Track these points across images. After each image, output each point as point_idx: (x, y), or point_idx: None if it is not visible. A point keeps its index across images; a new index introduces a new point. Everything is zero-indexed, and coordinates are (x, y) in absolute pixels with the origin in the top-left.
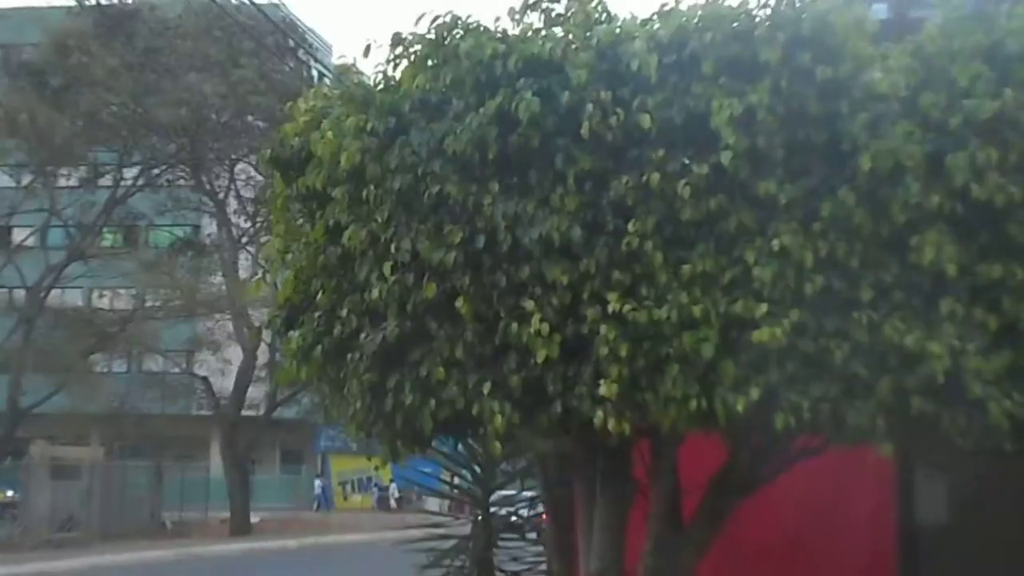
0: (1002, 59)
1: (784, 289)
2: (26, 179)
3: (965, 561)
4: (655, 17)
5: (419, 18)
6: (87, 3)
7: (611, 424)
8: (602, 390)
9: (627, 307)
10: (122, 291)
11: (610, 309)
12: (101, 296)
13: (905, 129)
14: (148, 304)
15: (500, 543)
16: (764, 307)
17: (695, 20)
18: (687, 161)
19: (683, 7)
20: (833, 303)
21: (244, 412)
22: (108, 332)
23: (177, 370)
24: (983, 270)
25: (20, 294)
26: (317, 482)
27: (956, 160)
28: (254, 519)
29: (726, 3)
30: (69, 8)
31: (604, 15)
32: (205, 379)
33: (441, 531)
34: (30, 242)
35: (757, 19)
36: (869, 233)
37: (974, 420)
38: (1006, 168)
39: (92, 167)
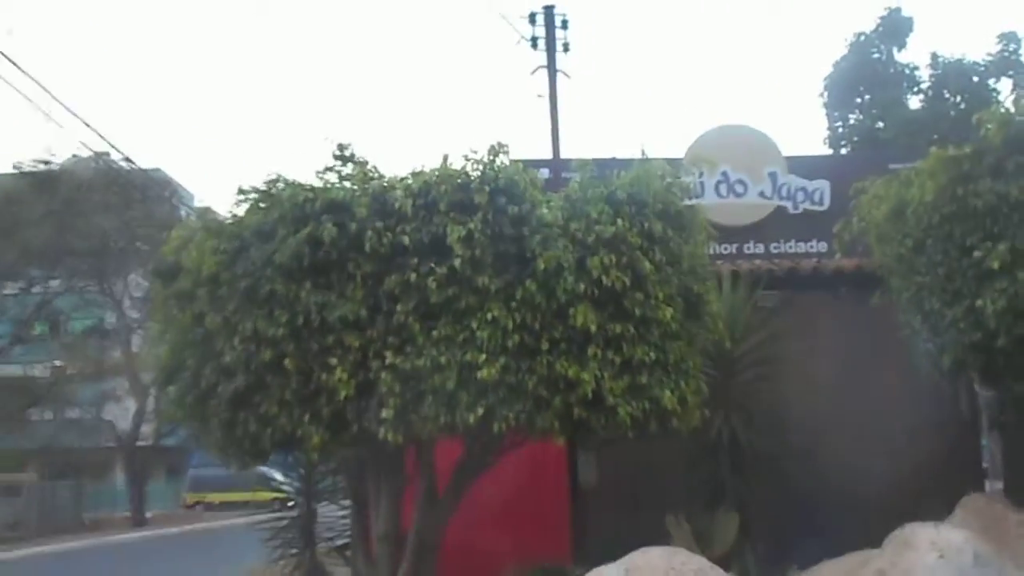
0: (615, 202)
1: (495, 344)
2: None
3: (611, 506)
4: (409, 175)
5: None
6: (24, 169)
7: (390, 436)
8: (384, 414)
9: (398, 360)
10: (49, 364)
11: (387, 362)
12: (34, 367)
13: (562, 243)
14: (68, 372)
15: (320, 519)
16: (483, 356)
17: (434, 178)
18: (433, 265)
19: (427, 169)
20: (525, 352)
21: (139, 443)
22: (39, 393)
23: (90, 416)
24: (612, 328)
25: None
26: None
27: (593, 262)
28: (148, 515)
29: (453, 166)
30: (12, 173)
31: (377, 174)
32: (110, 422)
33: (278, 515)
34: None
35: (472, 177)
36: (544, 307)
37: (609, 420)
38: (621, 266)
39: (27, 280)
